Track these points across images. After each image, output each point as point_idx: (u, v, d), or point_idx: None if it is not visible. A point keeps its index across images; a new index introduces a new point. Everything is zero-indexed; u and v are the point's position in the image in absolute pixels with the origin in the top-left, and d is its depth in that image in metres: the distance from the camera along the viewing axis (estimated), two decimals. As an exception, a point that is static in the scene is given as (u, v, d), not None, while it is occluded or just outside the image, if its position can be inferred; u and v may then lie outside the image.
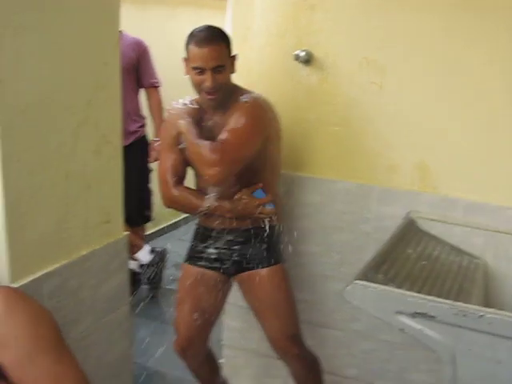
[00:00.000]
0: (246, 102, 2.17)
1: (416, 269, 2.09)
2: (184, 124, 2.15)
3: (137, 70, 3.62)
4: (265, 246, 2.30)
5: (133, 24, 4.04)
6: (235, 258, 2.33)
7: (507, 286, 2.33)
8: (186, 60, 2.17)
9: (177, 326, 2.41)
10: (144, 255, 3.75)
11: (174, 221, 4.87)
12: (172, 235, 4.80)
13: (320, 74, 2.48)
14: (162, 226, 4.84)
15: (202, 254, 2.37)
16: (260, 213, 2.21)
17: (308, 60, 2.46)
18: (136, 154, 3.65)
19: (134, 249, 3.74)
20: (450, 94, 2.31)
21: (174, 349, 2.42)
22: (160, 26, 4.45)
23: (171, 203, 2.30)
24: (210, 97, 2.15)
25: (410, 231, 2.34)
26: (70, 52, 1.61)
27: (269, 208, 2.23)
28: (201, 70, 2.10)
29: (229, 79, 2.18)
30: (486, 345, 1.71)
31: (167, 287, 3.95)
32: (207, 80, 2.09)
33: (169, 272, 4.12)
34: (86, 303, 1.78)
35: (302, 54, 2.42)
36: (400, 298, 1.78)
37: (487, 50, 2.21)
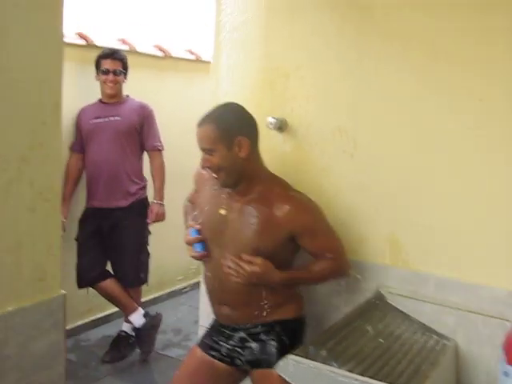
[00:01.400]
0: (299, 203, 2.13)
1: (369, 347, 1.98)
2: (282, 278, 2.11)
3: (140, 134, 3.68)
4: (279, 344, 2.16)
5: (150, 89, 4.17)
6: (247, 355, 2.19)
7: (479, 369, 2.18)
8: None
9: None
10: (137, 318, 3.69)
11: (178, 286, 4.84)
12: (176, 300, 4.76)
13: (293, 142, 2.46)
14: (167, 291, 4.80)
15: (214, 345, 2.25)
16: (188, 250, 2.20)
17: (281, 127, 2.44)
18: (135, 215, 3.68)
19: (127, 311, 3.71)
20: (422, 166, 2.25)
21: None
22: (176, 91, 4.54)
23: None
24: (214, 176, 2.12)
25: (375, 306, 2.24)
26: (4, 111, 1.64)
27: (193, 252, 2.19)
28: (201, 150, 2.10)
29: (230, 162, 2.06)
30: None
31: (161, 352, 3.87)
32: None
33: (165, 337, 4.06)
34: (10, 360, 1.74)
35: (273, 121, 2.40)
36: (331, 377, 1.69)
37: (464, 117, 2.14)
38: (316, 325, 2.45)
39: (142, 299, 4.13)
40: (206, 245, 2.17)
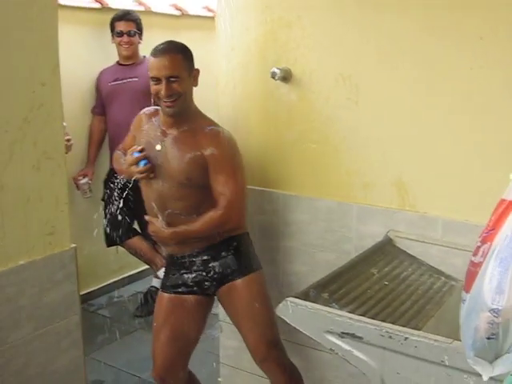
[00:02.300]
0: (216, 132, 2.27)
1: (373, 289, 2.01)
2: (172, 234, 2.28)
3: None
4: (234, 257, 2.33)
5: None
6: (213, 275, 2.34)
7: (488, 310, 2.19)
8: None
9: (153, 355, 2.41)
10: (165, 273, 3.80)
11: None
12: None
13: (298, 92, 2.47)
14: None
15: (179, 281, 2.38)
16: (132, 171, 2.28)
17: (286, 77, 2.45)
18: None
19: (156, 267, 3.81)
20: (426, 110, 2.23)
21: (153, 378, 2.44)
22: (195, 50, 4.54)
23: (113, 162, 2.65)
24: (167, 104, 2.23)
25: (383, 250, 2.26)
26: (4, 74, 1.70)
27: (137, 167, 2.27)
28: (157, 80, 2.20)
29: (187, 91, 2.25)
30: (414, 369, 1.62)
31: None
32: (162, 89, 2.18)
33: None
34: (25, 310, 1.84)
35: (277, 71, 2.41)
36: (328, 317, 1.73)
37: (466, 56, 2.12)
38: (327, 272, 2.50)
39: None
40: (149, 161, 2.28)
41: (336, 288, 1.95)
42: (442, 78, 2.18)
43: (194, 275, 2.35)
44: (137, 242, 3.73)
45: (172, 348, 2.35)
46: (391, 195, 2.35)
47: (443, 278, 2.21)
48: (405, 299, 2.01)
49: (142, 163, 2.27)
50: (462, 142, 2.19)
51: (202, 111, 2.36)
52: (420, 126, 2.25)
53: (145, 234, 3.76)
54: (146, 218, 2.35)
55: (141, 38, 3.72)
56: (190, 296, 2.36)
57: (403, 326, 1.72)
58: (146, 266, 4.11)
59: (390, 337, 1.62)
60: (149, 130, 2.35)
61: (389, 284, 2.07)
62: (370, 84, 2.31)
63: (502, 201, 0.95)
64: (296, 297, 1.81)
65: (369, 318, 1.76)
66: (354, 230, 2.45)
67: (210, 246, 2.31)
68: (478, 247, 0.96)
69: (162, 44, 2.24)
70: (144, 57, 3.78)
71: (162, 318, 2.39)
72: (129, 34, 3.63)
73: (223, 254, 2.32)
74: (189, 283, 2.36)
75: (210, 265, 2.33)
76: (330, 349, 1.74)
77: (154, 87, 2.21)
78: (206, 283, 2.35)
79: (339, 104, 2.39)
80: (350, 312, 1.79)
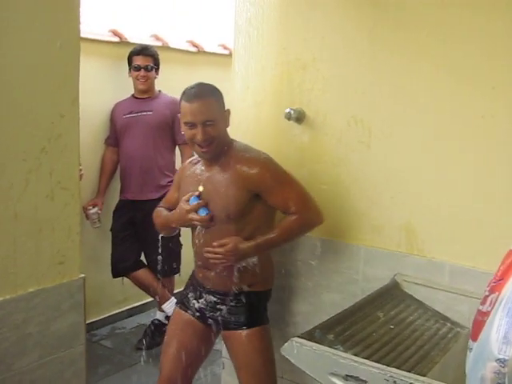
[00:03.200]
0: (253, 156, 2.27)
1: (378, 333, 2.01)
2: (252, 250, 2.25)
3: (172, 128, 3.78)
4: (247, 310, 2.32)
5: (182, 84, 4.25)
6: (217, 317, 2.35)
7: (493, 359, 2.18)
8: (180, 117, 2.28)
9: (161, 366, 2.45)
10: (170, 307, 3.79)
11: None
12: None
13: (311, 133, 2.50)
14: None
15: (190, 304, 2.42)
16: (191, 220, 2.25)
17: (299, 118, 2.49)
18: (166, 207, 3.77)
19: (160, 300, 3.82)
20: (436, 155, 2.26)
21: None
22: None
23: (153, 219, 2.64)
24: (203, 150, 2.23)
25: (390, 294, 2.27)
26: (26, 106, 1.75)
27: (200, 215, 2.23)
28: (192, 125, 2.19)
29: (222, 133, 2.24)
30: (418, 414, 1.61)
31: (193, 341, 3.96)
32: (198, 133, 2.18)
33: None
34: (32, 338, 1.85)
35: (292, 112, 2.45)
36: (333, 359, 1.72)
37: (480, 104, 2.15)
38: (333, 313, 2.50)
39: (177, 290, 4.24)
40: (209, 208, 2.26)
41: (341, 330, 1.95)
42: (453, 124, 2.21)
43: (201, 306, 2.38)
44: (143, 274, 3.75)
45: (177, 362, 2.38)
46: (399, 239, 2.36)
47: (449, 324, 2.20)
48: (410, 344, 2.00)
49: (203, 212, 2.24)
50: (471, 188, 2.21)
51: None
52: (430, 170, 2.27)
53: (152, 266, 3.78)
54: (214, 244, 2.24)
55: (157, 73, 3.79)
56: (197, 321, 2.40)
57: (408, 372, 1.71)
58: (151, 299, 4.11)
59: (395, 382, 1.61)
60: (192, 176, 2.35)
61: (394, 328, 2.07)
62: (382, 128, 2.35)
63: (511, 251, 0.96)
64: (301, 337, 1.81)
65: (373, 361, 1.75)
66: (361, 272, 2.45)
67: (225, 292, 2.31)
68: (486, 296, 0.97)
69: (193, 87, 2.24)
70: (159, 91, 3.85)
71: (172, 331, 2.45)
72: (146, 68, 3.69)
73: (232, 303, 2.31)
74: (195, 309, 2.39)
75: (218, 307, 2.34)
76: (335, 391, 1.73)
77: (188, 132, 2.21)
78: (210, 320, 2.36)
79: (351, 146, 2.42)
80: (354, 355, 1.79)
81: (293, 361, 1.81)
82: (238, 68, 2.68)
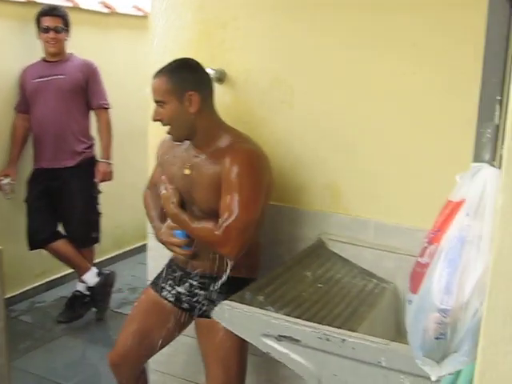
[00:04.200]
0: (237, 147, 2.06)
1: (307, 292, 2.01)
2: (173, 212, 2.12)
3: (86, 92, 3.62)
4: (226, 297, 2.11)
5: (91, 47, 4.09)
6: (194, 302, 2.25)
7: (418, 311, 2.23)
8: None
9: (117, 340, 2.38)
10: (91, 277, 3.70)
11: (136, 245, 4.83)
12: (134, 259, 4.75)
13: (233, 93, 2.45)
14: (124, 250, 4.80)
15: (166, 286, 2.31)
16: (173, 251, 2.16)
17: (220, 79, 2.42)
18: (83, 174, 3.64)
19: (80, 271, 3.71)
20: (359, 113, 2.26)
21: (108, 360, 2.38)
22: (123, 49, 4.46)
23: (143, 201, 2.40)
24: (166, 131, 2.12)
25: (316, 253, 2.27)
26: None
27: (182, 250, 2.14)
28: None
29: (178, 116, 2.05)
30: (351, 371, 1.63)
31: (116, 310, 3.89)
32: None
33: (121, 295, 4.08)
34: None
35: (212, 72, 2.38)
36: (264, 320, 1.71)
37: (399, 62, 2.15)
38: (260, 275, 2.49)
39: (99, 259, 4.15)
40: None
41: (271, 291, 1.94)
42: (375, 81, 2.21)
43: (178, 290, 2.28)
44: (62, 245, 3.61)
45: (135, 341, 2.29)
46: (324, 198, 2.37)
47: (375, 280, 2.23)
48: (339, 301, 2.02)
49: (187, 248, 2.15)
50: (393, 146, 2.22)
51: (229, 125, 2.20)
52: (353, 129, 2.28)
53: (70, 236, 3.65)
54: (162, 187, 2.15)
55: (68, 35, 3.60)
56: (171, 305, 2.29)
57: (339, 328, 1.72)
58: (71, 270, 3.99)
59: (328, 339, 1.62)
60: (177, 155, 2.20)
61: (323, 286, 2.08)
62: (305, 87, 2.32)
63: (449, 202, 0.96)
64: (232, 300, 1.78)
65: (305, 320, 1.75)
66: (287, 232, 2.45)
67: (205, 275, 2.21)
68: (425, 248, 0.96)
69: (167, 64, 2.11)
70: (71, 54, 3.67)
71: (138, 309, 2.35)
72: (55, 30, 3.50)
73: (211, 288, 2.20)
74: (172, 292, 2.29)
75: (196, 291, 2.24)
76: (267, 352, 1.72)
77: None
78: (186, 304, 2.26)
79: (274, 106, 2.38)
80: (285, 315, 1.78)
81: (224, 324, 1.78)
82: (155, 28, 2.58)
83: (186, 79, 2.06)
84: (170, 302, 2.29)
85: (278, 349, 1.70)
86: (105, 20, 4.27)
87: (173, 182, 2.17)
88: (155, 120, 2.09)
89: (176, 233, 2.14)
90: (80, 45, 3.77)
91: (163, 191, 2.15)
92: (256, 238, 2.21)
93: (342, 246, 2.32)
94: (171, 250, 2.18)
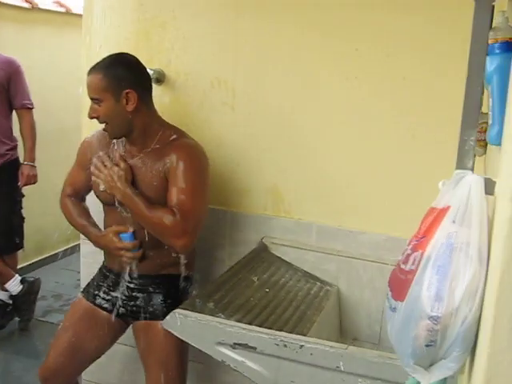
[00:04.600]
0: (181, 142, 2.04)
1: (256, 297, 1.99)
2: (126, 191, 1.99)
3: (7, 91, 3.44)
4: (165, 296, 2.13)
5: (14, 44, 3.91)
6: (132, 306, 2.15)
7: (361, 312, 2.27)
8: None
9: (47, 354, 2.21)
10: (14, 285, 3.51)
11: (59, 250, 4.65)
12: (56, 265, 4.57)
13: (172, 94, 2.40)
14: (45, 256, 4.61)
15: (100, 293, 2.20)
16: (120, 255, 2.06)
17: (159, 79, 2.37)
18: (5, 177, 3.45)
19: (3, 279, 3.52)
20: (301, 117, 2.26)
21: (38, 375, 2.22)
22: (45, 47, 4.29)
23: (61, 209, 2.25)
24: (102, 128, 2.04)
25: (259, 257, 2.26)
26: None
27: (131, 253, 2.05)
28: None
29: (115, 116, 1.97)
30: (308, 377, 1.62)
31: (41, 319, 3.72)
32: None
33: (45, 303, 3.91)
34: None
35: (150, 72, 2.30)
36: (219, 328, 1.67)
37: (345, 65, 2.17)
38: (201, 280, 2.45)
39: (20, 265, 3.95)
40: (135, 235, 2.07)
41: (220, 297, 1.90)
42: (317, 84, 2.22)
43: (114, 295, 2.17)
44: (-18, 252, 3.42)
45: (67, 355, 2.16)
46: (266, 202, 2.36)
47: (318, 283, 2.24)
48: (287, 306, 2.01)
49: (135, 251, 2.06)
50: (336, 149, 2.24)
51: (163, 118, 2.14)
52: (294, 132, 2.28)
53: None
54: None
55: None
56: (105, 313, 2.18)
57: (290, 333, 1.71)
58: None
59: (285, 345, 1.60)
60: (108, 154, 2.09)
61: (269, 291, 2.06)
62: (246, 89, 2.30)
63: (432, 209, 0.96)
64: (184, 308, 1.73)
65: (256, 326, 1.73)
66: (228, 236, 2.42)
67: (144, 276, 2.12)
68: (408, 255, 0.96)
69: (102, 59, 2.02)
70: (-9, 50, 3.48)
71: (69, 321, 2.21)
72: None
73: (150, 288, 2.13)
74: (106, 299, 2.18)
75: (134, 294, 2.14)
76: (222, 360, 1.68)
77: None
78: (122, 309, 2.16)
79: (215, 108, 2.35)
80: (237, 321, 1.75)
81: (176, 333, 1.73)
82: (90, 26, 2.48)
83: (122, 76, 1.98)
84: (104, 309, 2.19)
85: (233, 357, 1.66)
86: (26, 16, 4.08)
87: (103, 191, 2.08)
88: (91, 117, 2.01)
89: (123, 236, 2.05)
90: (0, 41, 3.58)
91: (107, 167, 2.02)
92: None
93: (285, 249, 2.32)
94: (118, 255, 2.07)
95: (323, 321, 2.05)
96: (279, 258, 2.30)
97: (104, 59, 2.02)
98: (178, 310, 1.71)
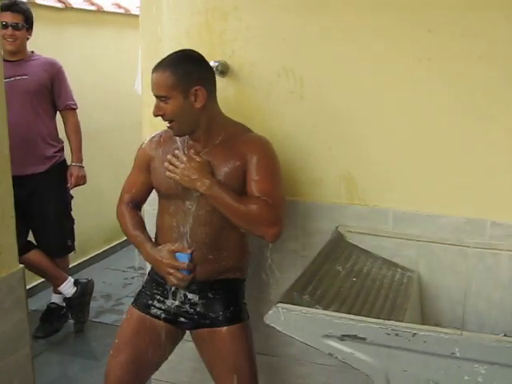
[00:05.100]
0: (256, 138, 2.07)
1: (345, 287, 1.96)
2: (212, 182, 1.95)
3: (51, 92, 3.41)
4: (225, 302, 2.10)
5: (49, 44, 3.88)
6: (192, 314, 2.11)
7: (442, 297, 2.23)
8: None
9: (107, 373, 2.14)
10: (68, 288, 3.51)
11: (101, 250, 4.65)
12: (100, 265, 4.57)
13: (236, 86, 2.35)
14: (89, 257, 4.59)
15: (154, 303, 2.14)
16: (170, 274, 1.99)
17: (223, 71, 2.32)
18: (54, 180, 3.44)
19: (56, 282, 3.51)
20: (373, 101, 2.22)
21: None
22: (79, 47, 4.26)
23: (118, 217, 2.19)
24: (167, 125, 2.00)
25: (338, 246, 2.22)
26: None
27: (182, 274, 1.99)
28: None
29: (182, 112, 1.94)
30: (421, 365, 1.58)
31: (94, 320, 3.72)
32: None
33: (96, 304, 3.90)
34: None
35: (214, 64, 2.27)
36: (326, 321, 1.64)
37: (414, 50, 2.12)
38: (275, 271, 2.43)
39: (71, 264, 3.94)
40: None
41: (313, 289, 1.87)
42: (388, 69, 2.17)
43: (172, 304, 2.12)
44: (35, 256, 3.39)
45: (129, 370, 2.10)
46: (339, 190, 2.32)
47: (400, 270, 2.20)
48: (377, 294, 1.98)
49: (186, 273, 2.00)
50: (408, 134, 2.20)
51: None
52: (366, 118, 2.24)
53: (43, 246, 3.45)
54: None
55: (30, 33, 3.38)
56: (162, 323, 2.12)
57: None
58: (37, 282, 3.79)
59: (397, 334, 1.57)
60: (168, 151, 2.05)
61: (356, 280, 2.03)
62: (315, 76, 2.26)
63: None
64: (285, 302, 1.70)
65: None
66: (301, 227, 2.38)
67: (202, 282, 2.07)
68: None
69: (166, 56, 1.99)
70: (32, 52, 3.45)
71: (127, 335, 2.13)
72: (15, 26, 3.26)
73: (210, 294, 2.09)
74: (163, 309, 2.13)
75: (193, 301, 2.09)
76: (329, 353, 1.65)
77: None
78: (182, 319, 2.12)
79: (282, 98, 2.31)
80: (335, 312, 1.72)
81: (280, 328, 1.70)
82: (146, 21, 2.44)
83: (191, 73, 1.95)
84: (160, 319, 2.13)
85: (342, 349, 1.63)
86: (59, 16, 4.04)
87: (167, 182, 2.05)
88: (156, 115, 1.98)
89: (179, 256, 1.99)
90: (35, 43, 3.54)
91: (184, 161, 1.97)
92: (247, 237, 2.15)
93: (362, 237, 2.28)
94: (167, 274, 2.00)
95: (412, 307, 2.02)
96: (357, 246, 2.26)
97: (170, 56, 1.99)
98: (280, 305, 1.67)
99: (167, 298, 2.12)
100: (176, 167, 1.98)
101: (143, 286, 2.22)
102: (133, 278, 4.40)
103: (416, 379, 1.60)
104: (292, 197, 2.35)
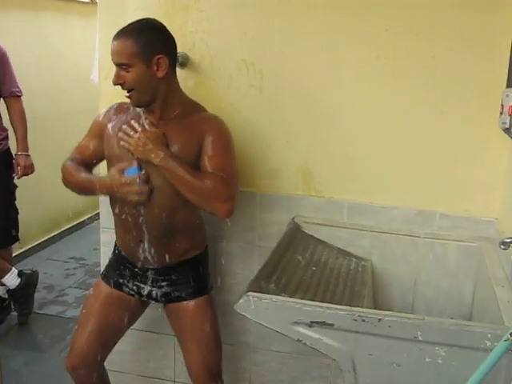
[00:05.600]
0: (213, 117, 2.07)
1: (307, 275, 2.03)
2: (166, 154, 1.93)
3: (-6, 79, 3.32)
4: (189, 279, 2.16)
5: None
6: (160, 294, 2.18)
7: (394, 285, 2.33)
8: None
9: (73, 342, 2.21)
10: (12, 279, 3.43)
11: (40, 240, 4.55)
12: (40, 256, 4.48)
13: (197, 78, 2.37)
14: (28, 247, 4.49)
15: (123, 281, 2.20)
16: (126, 192, 1.96)
17: (183, 63, 2.34)
18: (-2, 169, 3.35)
19: (0, 273, 3.42)
20: (330, 96, 2.29)
21: (66, 365, 2.22)
22: (21, 32, 4.14)
23: (62, 172, 2.12)
24: (125, 94, 1.97)
25: (296, 237, 2.28)
26: None
27: (137, 187, 1.96)
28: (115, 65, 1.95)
29: (143, 81, 1.93)
30: (386, 349, 1.67)
31: (38, 312, 3.65)
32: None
33: (39, 295, 3.82)
34: None
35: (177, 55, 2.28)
36: (296, 308, 1.69)
37: (372, 48, 2.20)
38: (230, 264, 2.48)
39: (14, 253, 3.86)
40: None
41: (277, 278, 1.92)
42: (345, 64, 2.24)
43: (142, 286, 2.18)
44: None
45: (96, 340, 2.17)
46: (296, 182, 2.38)
47: (354, 259, 2.29)
48: (336, 282, 2.06)
49: (142, 184, 1.97)
50: (364, 127, 2.28)
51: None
52: (323, 112, 2.30)
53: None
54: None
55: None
56: (130, 297, 2.20)
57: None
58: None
59: (363, 320, 1.64)
60: (123, 122, 2.02)
61: (316, 269, 2.10)
62: (274, 70, 2.30)
63: None
64: (255, 291, 1.75)
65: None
66: (258, 218, 2.43)
67: (164, 267, 2.14)
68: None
69: (130, 23, 1.96)
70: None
71: (94, 307, 2.19)
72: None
73: (173, 276, 2.15)
74: (130, 287, 2.20)
75: (159, 284, 2.16)
76: (298, 339, 1.71)
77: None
78: (152, 299, 2.21)
79: (242, 91, 2.35)
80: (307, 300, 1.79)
81: (250, 316, 1.74)
82: (105, 10, 2.42)
83: (154, 42, 1.94)
84: (131, 295, 2.20)
85: (310, 335, 1.69)
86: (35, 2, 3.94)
87: (117, 152, 2.03)
88: (116, 84, 1.95)
89: (127, 172, 1.97)
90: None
91: (138, 131, 1.95)
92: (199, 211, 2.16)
93: (318, 227, 2.35)
94: (124, 194, 1.97)
95: (369, 294, 2.11)
96: (313, 236, 2.33)
97: (132, 24, 1.97)
98: (251, 293, 1.72)
99: (136, 280, 2.18)
100: (130, 137, 1.97)
101: (111, 262, 2.25)
102: (75, 268, 4.34)
103: (380, 362, 1.68)
104: (250, 188, 2.40)
